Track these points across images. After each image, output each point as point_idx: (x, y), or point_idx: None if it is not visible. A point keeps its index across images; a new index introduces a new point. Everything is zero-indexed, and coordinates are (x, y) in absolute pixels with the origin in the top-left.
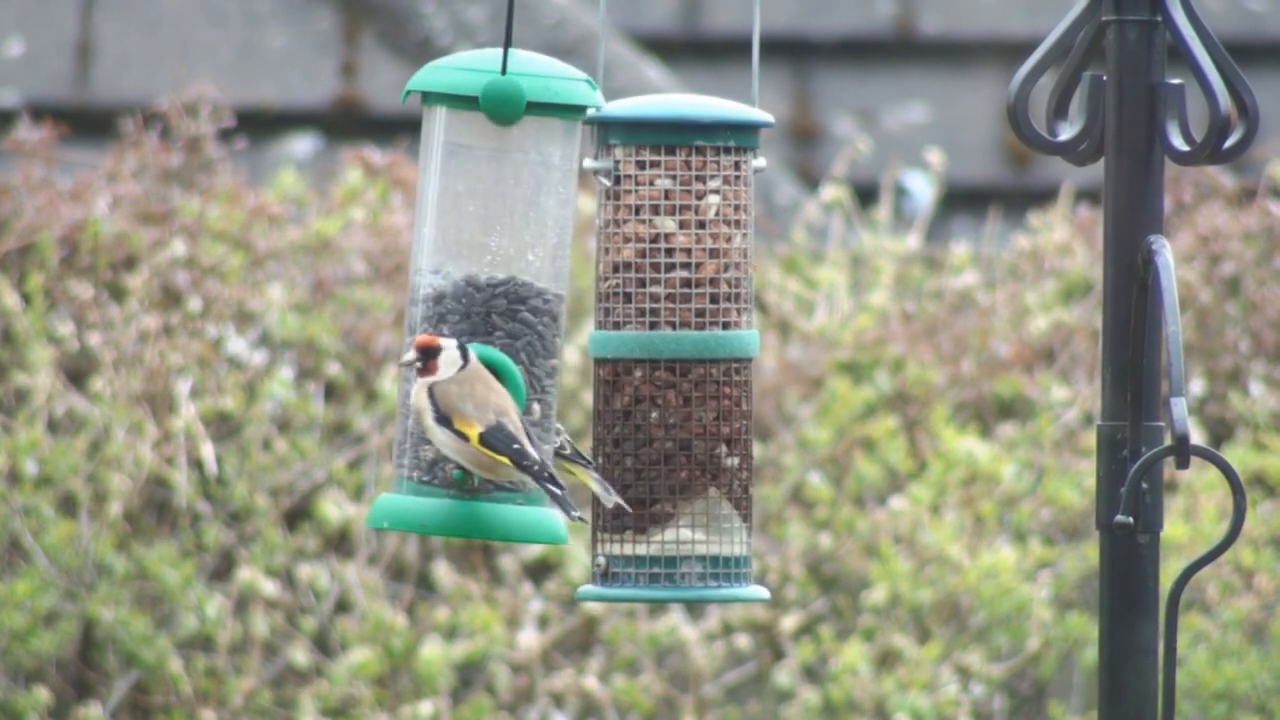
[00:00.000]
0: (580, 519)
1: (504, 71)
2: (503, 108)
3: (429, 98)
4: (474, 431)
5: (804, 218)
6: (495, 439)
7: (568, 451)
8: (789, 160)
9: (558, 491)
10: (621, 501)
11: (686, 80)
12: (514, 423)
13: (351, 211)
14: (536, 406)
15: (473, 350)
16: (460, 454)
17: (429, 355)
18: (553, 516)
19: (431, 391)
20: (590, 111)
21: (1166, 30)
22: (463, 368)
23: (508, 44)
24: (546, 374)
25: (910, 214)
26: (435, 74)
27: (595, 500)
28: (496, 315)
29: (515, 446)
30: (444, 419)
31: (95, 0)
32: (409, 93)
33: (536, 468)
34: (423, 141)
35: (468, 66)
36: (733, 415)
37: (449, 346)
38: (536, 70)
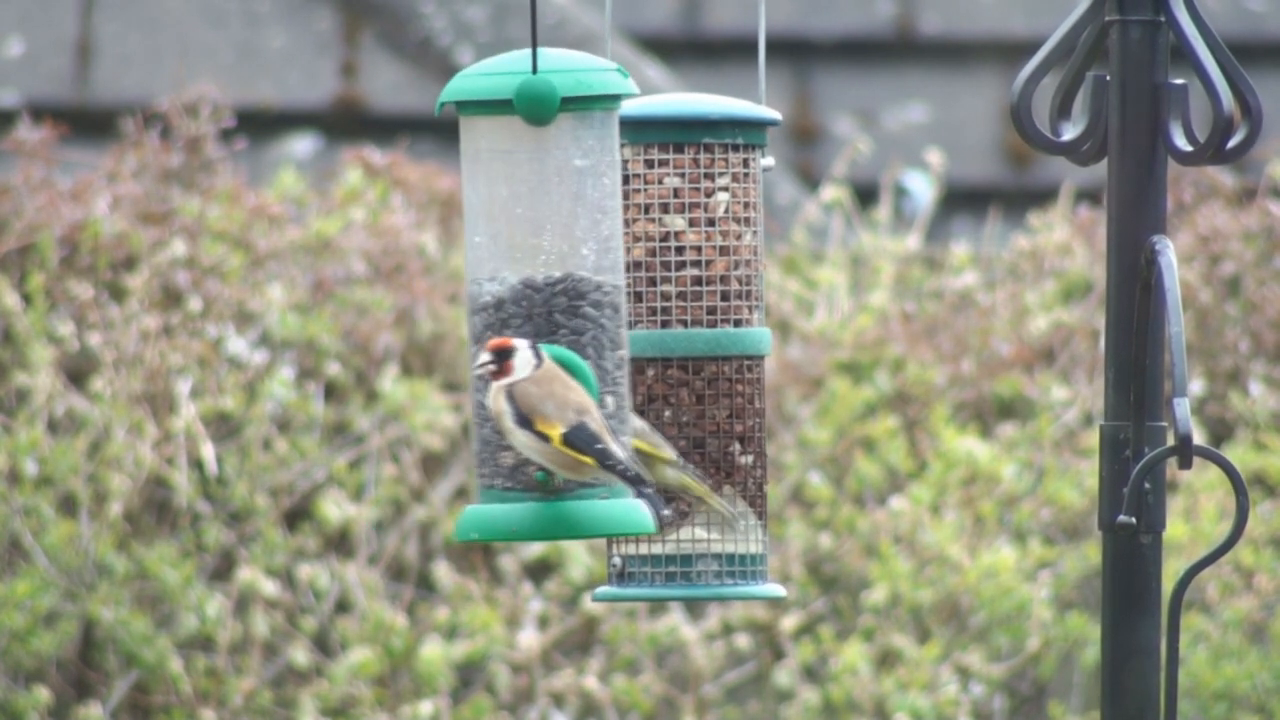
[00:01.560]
0: (668, 518)
1: (535, 71)
2: (537, 107)
3: (464, 107)
4: (556, 432)
5: (804, 218)
6: (578, 439)
7: (690, 472)
8: (789, 160)
9: (646, 491)
10: (738, 514)
11: (687, 80)
12: (596, 421)
13: (351, 211)
14: (610, 399)
15: (546, 352)
16: (542, 455)
17: (504, 357)
18: (639, 506)
19: (511, 393)
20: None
21: (1169, 30)
22: (538, 367)
23: (535, 43)
24: (615, 365)
25: (910, 214)
26: (466, 82)
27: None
28: (558, 314)
29: (599, 446)
30: (525, 421)
31: (95, 0)
32: (443, 104)
33: (621, 467)
34: (462, 152)
35: (498, 71)
36: (746, 413)
37: (522, 347)
38: (566, 65)
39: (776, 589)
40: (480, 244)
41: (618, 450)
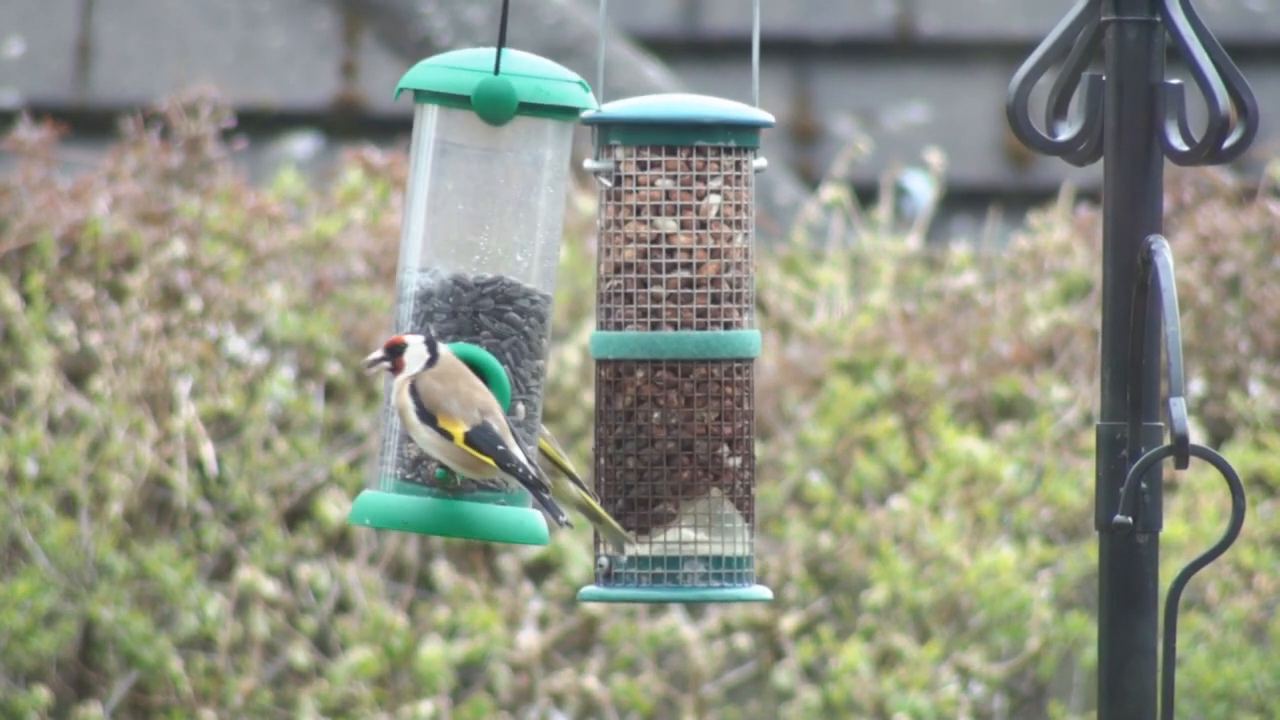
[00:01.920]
0: (568, 524)
1: (497, 71)
2: (495, 108)
3: (421, 96)
4: (459, 430)
5: (804, 218)
6: (480, 439)
7: (590, 492)
8: (789, 160)
9: (544, 496)
10: (624, 541)
11: (686, 80)
12: (499, 423)
13: (351, 211)
14: (521, 407)
15: (445, 346)
16: (443, 452)
17: (394, 353)
18: (535, 517)
19: (415, 388)
20: (583, 114)
21: (1166, 30)
22: (430, 361)
23: (501, 44)
24: (532, 375)
25: (910, 214)
26: (428, 72)
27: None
28: (483, 315)
29: (500, 448)
30: (428, 416)
31: (95, 0)
32: (401, 90)
33: (521, 470)
34: (414, 139)
35: (461, 65)
36: (735, 415)
37: (414, 342)
38: (529, 71)
39: (763, 591)
40: (416, 233)
41: (519, 454)
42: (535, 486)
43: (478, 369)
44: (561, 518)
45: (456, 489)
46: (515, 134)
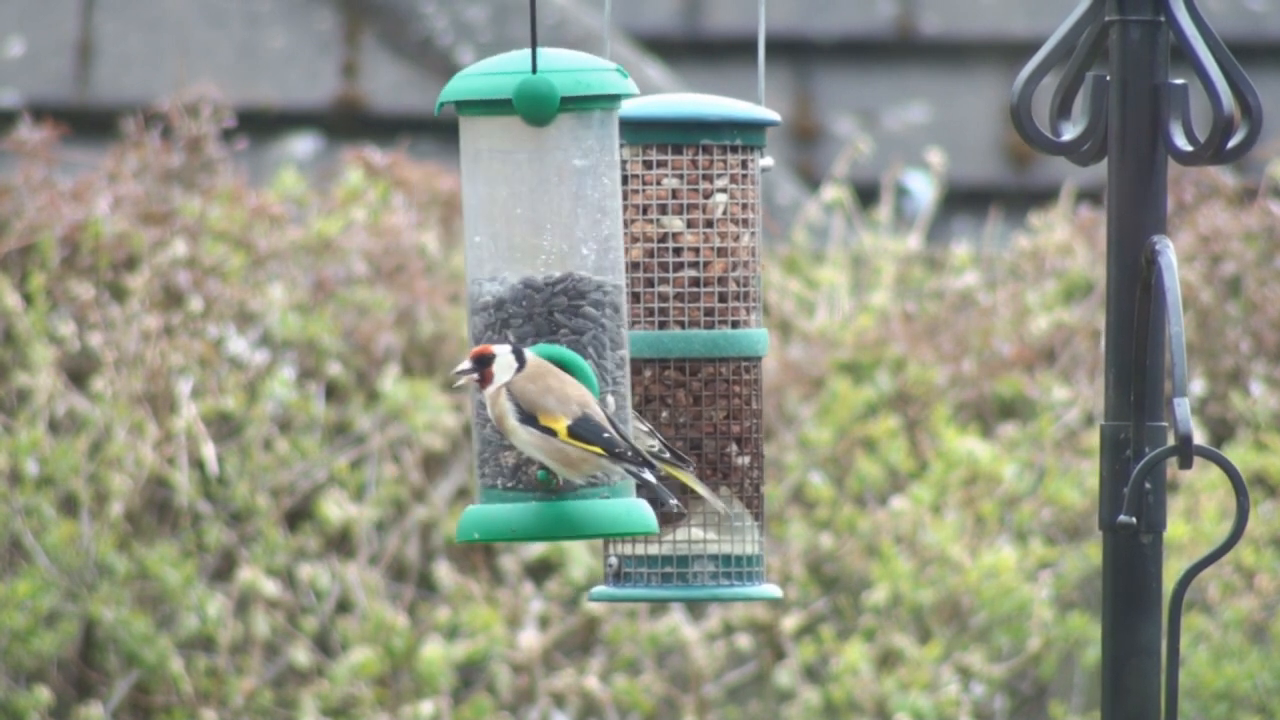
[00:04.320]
0: (677, 507)
1: (534, 70)
2: (537, 107)
3: (463, 107)
4: (561, 425)
5: (805, 218)
6: (584, 430)
7: (667, 455)
8: (790, 160)
9: (653, 479)
10: (725, 507)
11: (687, 80)
12: (598, 413)
13: (352, 211)
14: (611, 399)
15: (531, 351)
16: (547, 451)
17: (483, 364)
18: (640, 506)
19: (511, 393)
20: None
21: (1170, 30)
22: (519, 369)
23: (534, 43)
24: (616, 365)
25: (911, 214)
26: (466, 82)
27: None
28: (559, 314)
29: (605, 435)
30: (528, 418)
31: (95, 0)
32: (442, 104)
33: (630, 454)
34: (461, 152)
35: (497, 71)
36: (743, 414)
37: (502, 352)
38: (566, 65)
39: (773, 590)
40: (480, 244)
41: (623, 440)
42: (645, 467)
43: (563, 367)
44: (671, 500)
45: (559, 490)
46: (560, 130)
